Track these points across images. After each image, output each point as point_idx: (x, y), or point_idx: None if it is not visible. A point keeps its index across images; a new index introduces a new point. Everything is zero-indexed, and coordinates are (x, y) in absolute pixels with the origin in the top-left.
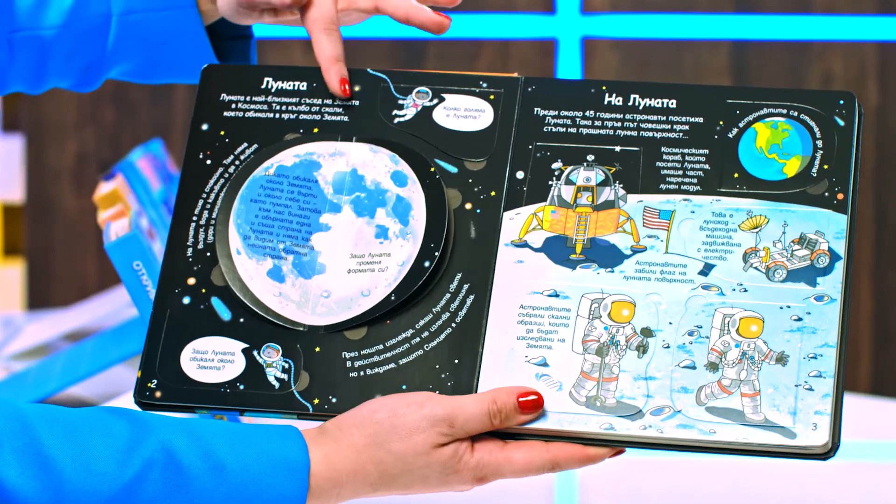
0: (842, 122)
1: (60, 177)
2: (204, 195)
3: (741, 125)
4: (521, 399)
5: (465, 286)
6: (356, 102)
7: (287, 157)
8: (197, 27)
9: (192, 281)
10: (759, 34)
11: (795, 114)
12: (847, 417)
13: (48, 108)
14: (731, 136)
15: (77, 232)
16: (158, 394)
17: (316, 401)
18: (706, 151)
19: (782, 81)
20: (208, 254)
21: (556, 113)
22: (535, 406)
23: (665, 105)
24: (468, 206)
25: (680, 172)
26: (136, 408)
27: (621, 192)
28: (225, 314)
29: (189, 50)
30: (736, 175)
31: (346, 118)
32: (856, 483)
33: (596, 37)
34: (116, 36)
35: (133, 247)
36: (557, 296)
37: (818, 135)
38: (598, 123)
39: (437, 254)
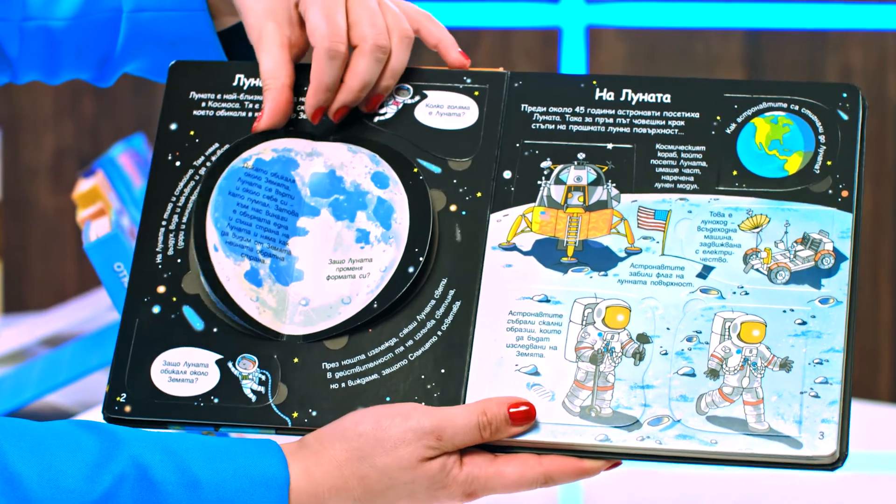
0: (845, 117)
1: (37, 173)
2: (173, 199)
3: (739, 120)
4: (511, 410)
5: (451, 292)
6: None
7: (266, 151)
8: (207, 30)
9: (161, 289)
10: (774, 23)
11: (796, 108)
12: (866, 427)
13: (24, 100)
14: (728, 131)
15: (55, 231)
16: (128, 408)
17: (295, 414)
18: (703, 148)
19: (798, 73)
20: (179, 260)
21: (545, 109)
22: (526, 417)
23: (659, 100)
24: (453, 208)
25: (676, 170)
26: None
27: (614, 191)
28: (197, 324)
29: (201, 53)
30: (735, 172)
31: (325, 119)
32: (876, 495)
33: (601, 26)
34: (127, 33)
35: (114, 247)
36: (548, 301)
37: (820, 130)
38: (588, 120)
39: (421, 259)
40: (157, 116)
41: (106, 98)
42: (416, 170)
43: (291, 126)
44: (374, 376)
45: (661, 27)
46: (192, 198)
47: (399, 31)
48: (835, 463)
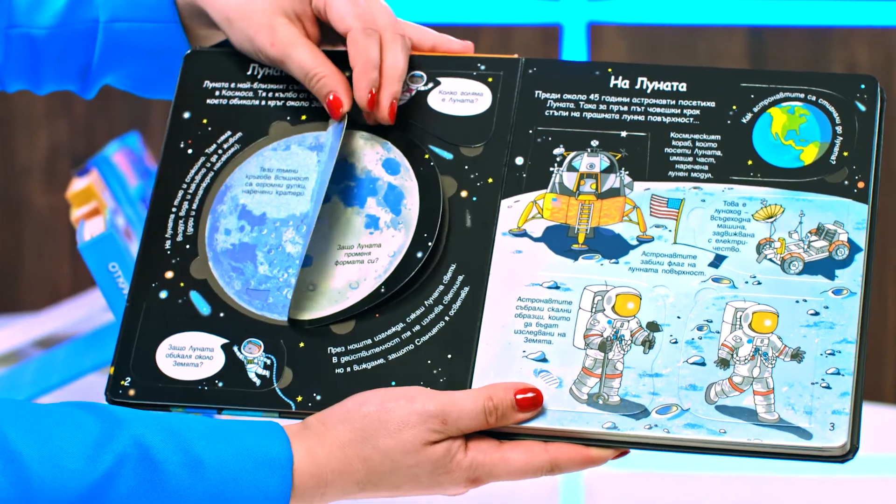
0: (863, 108)
1: (31, 172)
2: (184, 185)
3: (755, 110)
4: (518, 396)
5: (460, 277)
6: None
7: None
8: (181, 43)
9: (169, 274)
10: (778, 19)
11: (814, 98)
12: (872, 429)
13: (17, 97)
14: (744, 121)
15: (49, 231)
16: (132, 392)
17: (299, 398)
18: (718, 137)
19: (803, 70)
20: (188, 246)
21: (559, 96)
22: (533, 403)
23: (675, 88)
24: (464, 193)
25: (690, 159)
26: None
27: (627, 179)
28: (204, 308)
29: (178, 65)
30: (750, 162)
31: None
32: (881, 498)
33: (603, 22)
34: (104, 43)
35: (108, 247)
36: (558, 288)
37: (837, 120)
38: (602, 107)
39: (430, 244)
40: (151, 115)
41: (100, 96)
42: (427, 156)
43: (304, 114)
44: (380, 361)
45: (663, 24)
46: (203, 184)
47: (394, 28)
48: (845, 455)
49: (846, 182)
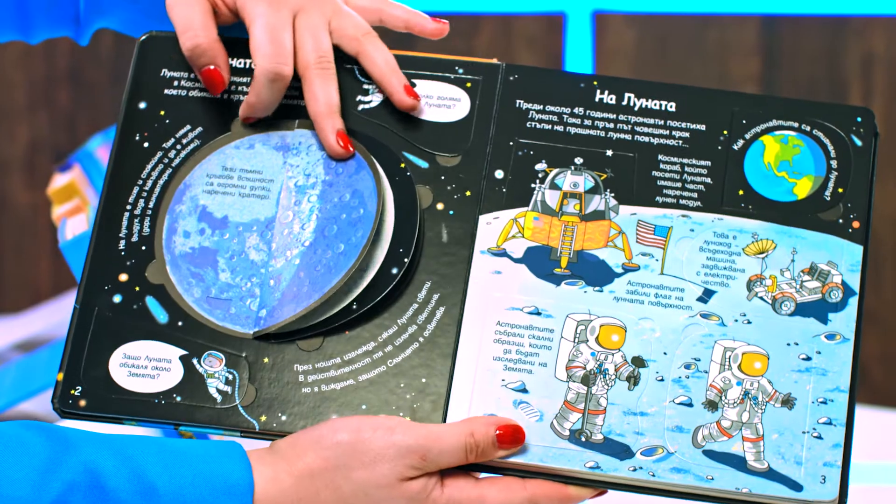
0: (859, 142)
1: (10, 167)
2: (140, 182)
3: (747, 136)
4: (500, 433)
5: (435, 296)
6: None
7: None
8: None
9: (123, 277)
10: (792, 8)
11: (808, 129)
12: (893, 436)
13: None
14: (736, 147)
15: (29, 229)
16: (83, 402)
17: (263, 418)
18: (708, 163)
19: (817, 61)
20: (143, 248)
21: (541, 107)
22: (515, 441)
23: (663, 108)
24: (440, 206)
25: (678, 184)
26: (58, 416)
27: (612, 201)
28: (161, 316)
29: (161, 8)
30: (741, 192)
31: (303, 102)
32: None
33: (609, 11)
34: None
35: None
36: (539, 314)
37: (832, 154)
38: (587, 123)
39: (406, 260)
40: None
41: (83, 88)
42: (403, 165)
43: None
44: (350, 382)
45: (672, 12)
46: (161, 182)
47: (364, 33)
48: None
49: (840, 221)
